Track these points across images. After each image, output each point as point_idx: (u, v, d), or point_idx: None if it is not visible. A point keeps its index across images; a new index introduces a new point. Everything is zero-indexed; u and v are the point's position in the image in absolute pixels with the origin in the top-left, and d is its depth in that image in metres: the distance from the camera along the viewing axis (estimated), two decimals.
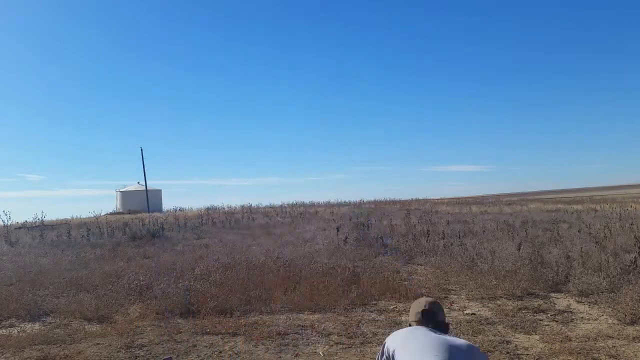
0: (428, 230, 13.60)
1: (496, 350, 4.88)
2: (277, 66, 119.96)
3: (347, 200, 41.97)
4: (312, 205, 38.45)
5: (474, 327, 5.65)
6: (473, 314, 6.32)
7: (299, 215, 26.69)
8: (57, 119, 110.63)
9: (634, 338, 5.10)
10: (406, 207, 31.48)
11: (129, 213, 41.61)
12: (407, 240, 12.46)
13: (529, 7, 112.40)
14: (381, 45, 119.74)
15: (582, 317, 6.03)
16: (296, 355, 4.99)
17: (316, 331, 5.75)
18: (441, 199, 49.58)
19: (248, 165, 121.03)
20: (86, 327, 6.31)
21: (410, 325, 2.54)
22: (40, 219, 21.83)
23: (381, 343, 2.48)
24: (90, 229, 18.58)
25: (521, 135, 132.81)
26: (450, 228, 15.24)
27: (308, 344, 5.31)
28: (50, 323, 6.61)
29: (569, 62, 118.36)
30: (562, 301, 6.85)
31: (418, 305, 2.57)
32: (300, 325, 6.02)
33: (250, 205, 37.14)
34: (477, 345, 5.01)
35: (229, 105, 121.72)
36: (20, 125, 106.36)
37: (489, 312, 6.36)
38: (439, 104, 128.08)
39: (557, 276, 7.74)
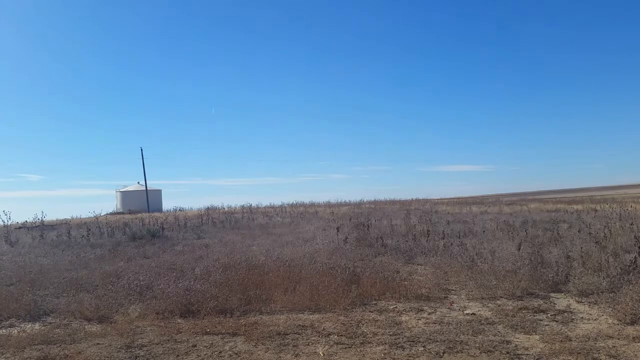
0: (428, 230, 13.60)
1: (496, 350, 4.88)
2: (276, 66, 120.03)
3: (347, 200, 41.98)
4: (312, 205, 38.43)
5: (474, 327, 5.65)
6: (473, 314, 6.33)
7: (299, 215, 26.70)
8: (57, 119, 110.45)
9: (634, 338, 5.10)
10: (406, 207, 31.47)
11: (129, 213, 41.60)
12: (407, 240, 12.47)
13: (528, 5, 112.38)
14: (381, 44, 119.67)
15: (582, 317, 6.03)
16: (296, 355, 4.99)
17: (316, 331, 5.76)
18: (441, 199, 49.52)
19: (248, 165, 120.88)
20: (86, 327, 6.31)
21: None
22: (40, 219, 21.81)
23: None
24: (90, 229, 18.56)
25: (521, 135, 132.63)
26: (450, 228, 15.25)
27: (308, 344, 5.31)
28: (50, 323, 6.61)
29: (570, 62, 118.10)
30: (562, 301, 6.85)
31: None
32: (300, 325, 6.02)
33: (250, 205, 37.09)
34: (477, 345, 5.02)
35: (229, 105, 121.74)
36: (20, 125, 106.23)
37: (489, 312, 6.36)
38: (438, 103, 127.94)
39: (557, 276, 7.74)
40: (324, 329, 5.81)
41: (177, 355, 5.14)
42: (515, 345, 5.03)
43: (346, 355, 4.94)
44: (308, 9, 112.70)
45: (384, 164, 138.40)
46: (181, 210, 38.13)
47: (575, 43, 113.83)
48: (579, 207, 25.06)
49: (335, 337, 5.51)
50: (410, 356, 4.83)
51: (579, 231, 12.27)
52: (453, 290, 7.79)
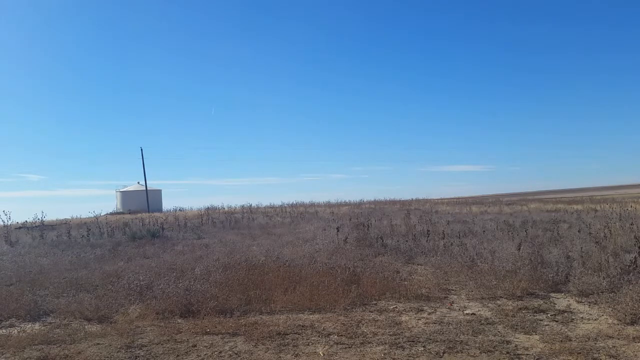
0: (428, 230, 13.59)
1: (496, 350, 4.88)
2: (276, 66, 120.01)
3: (347, 200, 42.00)
4: (312, 205, 38.43)
5: (474, 327, 5.65)
6: (473, 314, 6.33)
7: (298, 215, 26.69)
8: (57, 119, 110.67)
9: (634, 338, 5.10)
10: (406, 207, 31.46)
11: (129, 213, 41.60)
12: (407, 240, 12.46)
13: (528, 6, 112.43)
14: (382, 44, 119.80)
15: (582, 317, 6.03)
16: (296, 355, 4.99)
17: (316, 331, 5.76)
18: (441, 199, 49.54)
19: (248, 165, 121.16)
20: (86, 327, 6.31)
21: None
22: (40, 219, 21.78)
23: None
24: (90, 229, 18.56)
25: (521, 135, 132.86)
26: (450, 228, 15.24)
27: (308, 344, 5.31)
28: (50, 323, 6.61)
29: (569, 62, 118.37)
30: (562, 301, 6.85)
31: None
32: (300, 325, 6.02)
33: (250, 205, 37.10)
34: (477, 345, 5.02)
35: (229, 105, 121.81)
36: (20, 125, 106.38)
37: (489, 312, 6.36)
38: (439, 103, 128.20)
39: (557, 276, 7.74)
40: (324, 329, 5.81)
41: (177, 355, 5.14)
42: (515, 345, 5.03)
43: (346, 355, 4.94)
44: (308, 10, 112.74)
45: (384, 164, 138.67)
46: (181, 210, 38.16)
47: (575, 43, 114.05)
48: (579, 207, 25.05)
49: (335, 337, 5.51)
50: (410, 356, 4.82)
51: (579, 231, 12.27)
52: (453, 290, 7.79)
